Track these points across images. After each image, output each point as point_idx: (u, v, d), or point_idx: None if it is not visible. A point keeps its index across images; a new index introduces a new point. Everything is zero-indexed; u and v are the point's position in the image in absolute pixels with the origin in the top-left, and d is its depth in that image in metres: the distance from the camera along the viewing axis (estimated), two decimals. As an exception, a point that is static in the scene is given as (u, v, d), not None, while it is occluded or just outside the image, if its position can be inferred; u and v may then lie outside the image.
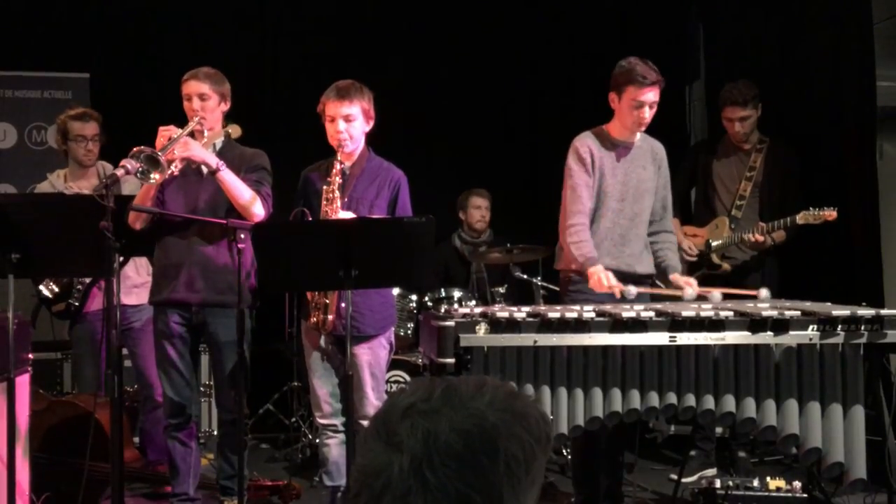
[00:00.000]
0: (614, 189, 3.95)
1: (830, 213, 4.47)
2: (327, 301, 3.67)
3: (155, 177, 3.46)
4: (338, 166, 3.68)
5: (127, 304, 4.39)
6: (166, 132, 3.63)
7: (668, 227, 4.17)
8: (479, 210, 5.89)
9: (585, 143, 3.96)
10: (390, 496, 1.09)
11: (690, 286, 3.83)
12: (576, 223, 3.91)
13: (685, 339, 3.24)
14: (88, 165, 4.67)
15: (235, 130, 4.42)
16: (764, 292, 3.80)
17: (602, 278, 3.75)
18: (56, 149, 4.82)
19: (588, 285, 3.80)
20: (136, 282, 4.59)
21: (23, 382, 3.60)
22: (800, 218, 4.51)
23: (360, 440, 1.17)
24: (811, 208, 4.49)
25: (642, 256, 4.01)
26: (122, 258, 4.12)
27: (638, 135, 4.01)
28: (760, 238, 4.65)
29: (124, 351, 4.54)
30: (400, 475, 1.09)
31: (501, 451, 1.11)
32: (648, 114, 3.89)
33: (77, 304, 4.55)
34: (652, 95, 3.86)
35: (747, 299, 3.83)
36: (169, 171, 3.58)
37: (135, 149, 3.53)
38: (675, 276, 3.99)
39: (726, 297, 3.80)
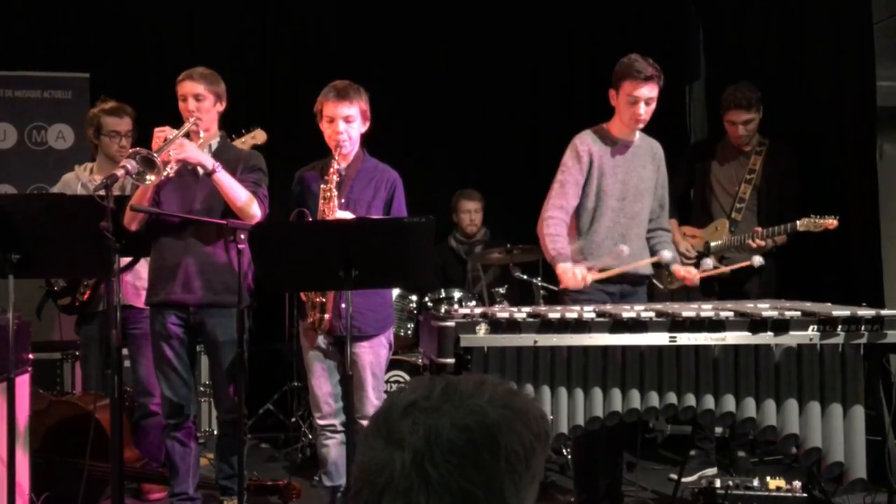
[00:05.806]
0: (614, 188, 3.94)
1: (831, 222, 4.43)
2: (323, 300, 3.67)
3: (150, 178, 3.44)
4: (335, 166, 3.68)
5: (137, 307, 4.30)
6: (161, 133, 3.61)
7: (665, 224, 4.18)
8: (468, 214, 5.81)
9: (586, 142, 3.94)
10: (392, 493, 1.10)
11: (693, 277, 3.90)
12: (554, 216, 3.91)
13: (685, 339, 3.24)
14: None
15: (260, 136, 4.40)
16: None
17: (571, 276, 3.73)
18: (89, 143, 4.60)
19: (562, 285, 3.81)
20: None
21: (23, 382, 3.60)
22: (801, 225, 4.48)
23: (361, 438, 1.18)
24: (812, 215, 4.47)
25: (642, 256, 4.01)
26: (134, 258, 4.08)
27: (637, 134, 3.99)
28: (762, 243, 4.63)
29: (125, 352, 4.55)
30: (402, 471, 1.09)
31: (502, 447, 1.12)
32: (644, 110, 3.84)
33: (83, 299, 4.44)
34: (647, 91, 3.80)
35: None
36: (165, 173, 3.58)
37: (131, 150, 3.52)
38: (676, 268, 4.00)
39: None
